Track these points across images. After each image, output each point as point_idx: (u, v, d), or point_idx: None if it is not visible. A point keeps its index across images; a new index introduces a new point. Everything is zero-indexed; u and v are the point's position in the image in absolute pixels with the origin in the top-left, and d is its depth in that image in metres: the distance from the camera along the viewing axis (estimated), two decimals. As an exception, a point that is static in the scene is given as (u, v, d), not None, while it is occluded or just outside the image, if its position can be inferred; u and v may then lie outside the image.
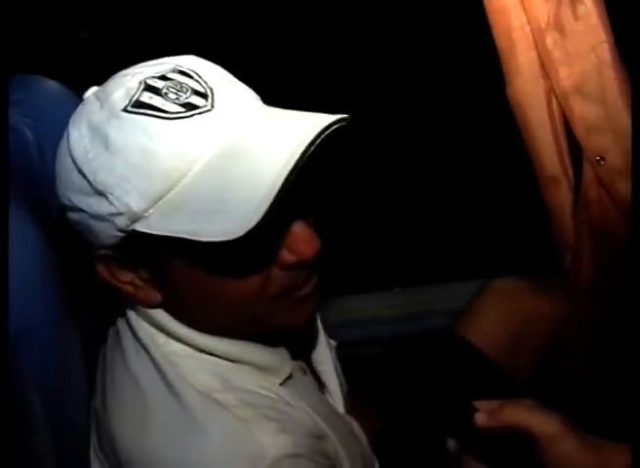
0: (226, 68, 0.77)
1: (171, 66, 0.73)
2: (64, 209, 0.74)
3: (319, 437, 0.79)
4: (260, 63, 1.49)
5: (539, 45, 1.08)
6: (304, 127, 0.68)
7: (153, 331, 0.78)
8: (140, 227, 0.69)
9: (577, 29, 1.05)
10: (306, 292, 0.77)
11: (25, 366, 0.72)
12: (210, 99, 0.70)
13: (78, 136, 0.71)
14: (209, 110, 0.69)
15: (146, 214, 0.68)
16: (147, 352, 0.77)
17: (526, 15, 1.07)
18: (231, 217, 0.65)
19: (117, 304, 0.81)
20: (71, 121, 0.74)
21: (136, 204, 0.68)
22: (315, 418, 0.81)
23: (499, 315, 1.21)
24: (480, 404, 0.70)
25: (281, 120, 0.72)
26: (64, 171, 0.72)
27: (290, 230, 0.73)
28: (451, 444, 0.72)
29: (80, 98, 0.77)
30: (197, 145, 0.68)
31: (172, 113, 0.68)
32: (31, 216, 0.79)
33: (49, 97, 0.94)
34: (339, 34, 1.51)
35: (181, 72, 0.72)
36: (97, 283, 0.76)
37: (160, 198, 0.68)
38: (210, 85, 0.72)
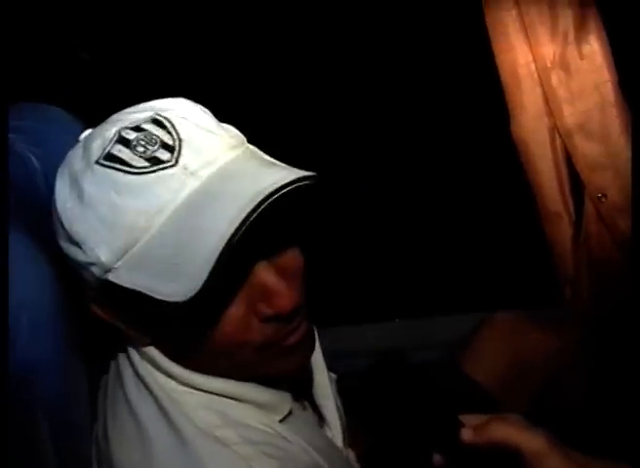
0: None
1: (149, 115, 0.72)
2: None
3: None
4: (257, 62, 1.48)
5: (544, 82, 1.09)
6: (261, 182, 0.67)
7: (151, 368, 0.78)
8: (112, 278, 0.69)
9: (582, 68, 1.06)
10: (293, 341, 0.75)
11: (35, 399, 0.71)
12: (175, 153, 0.69)
13: (62, 184, 0.72)
14: (172, 165, 0.69)
15: (115, 267, 0.68)
16: (147, 388, 0.77)
17: (532, 53, 1.08)
18: (181, 279, 0.64)
19: (117, 340, 0.81)
20: (62, 165, 0.74)
21: (105, 256, 0.68)
22: (313, 454, 0.80)
23: (496, 349, 1.21)
24: (466, 418, 0.69)
25: (245, 175, 0.71)
26: (54, 216, 0.73)
27: (263, 283, 0.72)
28: (437, 458, 0.70)
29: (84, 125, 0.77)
30: (157, 202, 0.67)
31: (137, 168, 0.68)
32: (39, 248, 0.78)
33: (55, 126, 0.93)
34: (336, 32, 1.50)
35: (156, 121, 0.71)
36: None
37: (126, 252, 0.68)
38: (181, 136, 0.70)
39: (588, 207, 1.17)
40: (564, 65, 1.06)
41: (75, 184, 0.70)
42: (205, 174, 0.70)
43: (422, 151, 1.54)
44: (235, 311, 0.72)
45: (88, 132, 0.76)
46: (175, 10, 1.44)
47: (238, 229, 0.64)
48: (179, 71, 1.41)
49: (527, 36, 1.07)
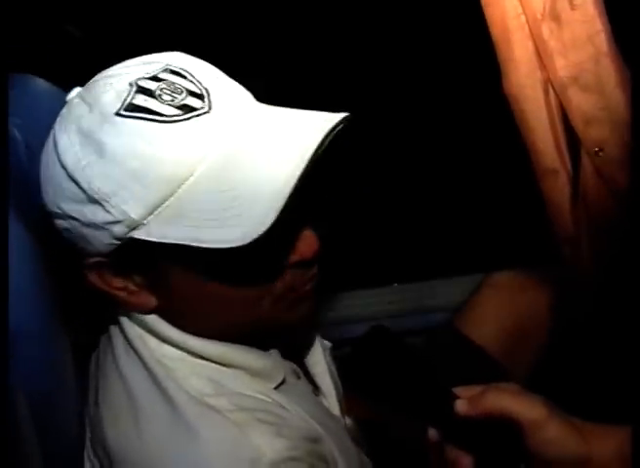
0: (217, 65, 0.76)
1: (161, 66, 0.71)
2: (52, 216, 0.72)
3: (315, 440, 0.78)
4: (252, 61, 1.48)
5: (535, 35, 1.06)
6: (310, 129, 0.66)
7: (145, 334, 0.77)
8: (138, 235, 0.67)
9: (573, 19, 1.03)
10: (308, 288, 0.77)
11: (14, 371, 0.70)
12: (207, 100, 0.68)
13: (68, 143, 0.69)
14: (207, 112, 0.68)
15: (145, 222, 0.66)
16: (139, 355, 0.77)
17: (521, 4, 1.05)
18: (238, 224, 0.63)
19: (108, 310, 0.80)
20: (57, 125, 0.72)
21: (134, 211, 0.66)
22: (310, 422, 0.80)
23: (497, 310, 1.21)
24: (461, 390, 0.69)
25: (283, 121, 0.70)
26: (53, 178, 0.70)
27: (295, 230, 0.72)
28: (432, 433, 0.69)
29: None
30: (198, 149, 0.66)
31: (169, 116, 0.66)
32: (19, 219, 0.77)
33: (38, 97, 0.92)
34: (332, 29, 1.50)
35: (173, 72, 0.70)
36: (87, 289, 0.75)
37: (160, 204, 0.66)
38: (204, 85, 0.70)
39: (585, 162, 1.15)
40: (555, 16, 1.03)
41: (89, 140, 0.67)
42: (240, 119, 0.69)
43: (416, 111, 1.53)
44: (267, 260, 0.71)
45: (76, 90, 0.74)
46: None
47: (302, 174, 0.63)
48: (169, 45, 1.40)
49: (516, -13, 1.05)
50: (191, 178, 0.66)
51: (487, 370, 1.18)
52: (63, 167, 0.69)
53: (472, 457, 0.68)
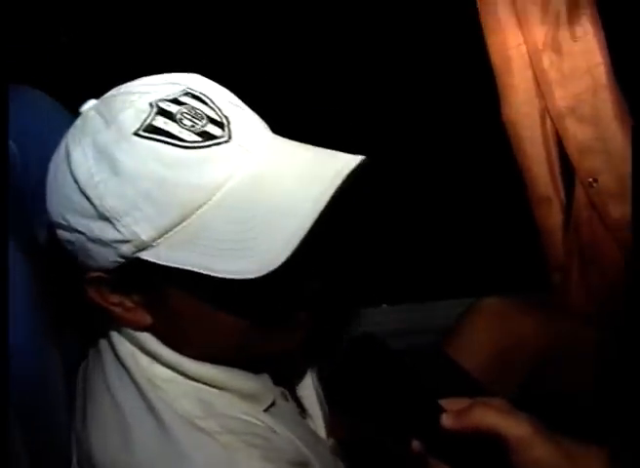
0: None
1: (181, 89, 0.70)
2: (55, 226, 0.71)
3: (302, 464, 0.78)
4: (249, 55, 1.47)
5: (535, 65, 1.07)
6: (329, 170, 0.66)
7: (136, 352, 0.76)
8: (145, 256, 0.66)
9: (574, 50, 1.04)
10: (304, 317, 0.76)
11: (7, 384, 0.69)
12: (227, 129, 0.68)
13: (82, 156, 0.67)
14: (227, 141, 0.67)
15: (154, 244, 0.65)
16: (129, 373, 0.75)
17: (523, 34, 1.06)
18: (252, 256, 0.63)
19: (100, 324, 0.79)
20: (71, 137, 0.70)
21: (145, 233, 0.65)
22: (298, 445, 0.79)
23: (484, 335, 1.21)
24: (448, 402, 0.67)
25: (302, 158, 0.70)
26: (62, 189, 0.69)
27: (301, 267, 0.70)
28: (416, 445, 0.68)
29: (73, 111, 0.74)
30: (216, 177, 0.65)
31: (189, 142, 0.66)
32: (14, 232, 0.76)
33: (35, 108, 0.91)
34: (336, 42, 1.50)
35: (194, 96, 0.69)
36: (81, 302, 0.74)
37: (172, 228, 0.65)
38: (224, 113, 0.69)
39: (579, 192, 1.16)
40: (556, 47, 1.04)
41: (104, 156, 0.66)
42: (259, 151, 0.68)
43: (411, 135, 1.53)
44: (271, 292, 0.70)
45: (91, 102, 0.72)
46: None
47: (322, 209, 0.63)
48: (162, 54, 1.39)
49: (518, 17, 1.05)
50: (206, 206, 0.65)
51: (474, 394, 1.18)
52: (75, 180, 0.67)
53: None
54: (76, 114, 0.77)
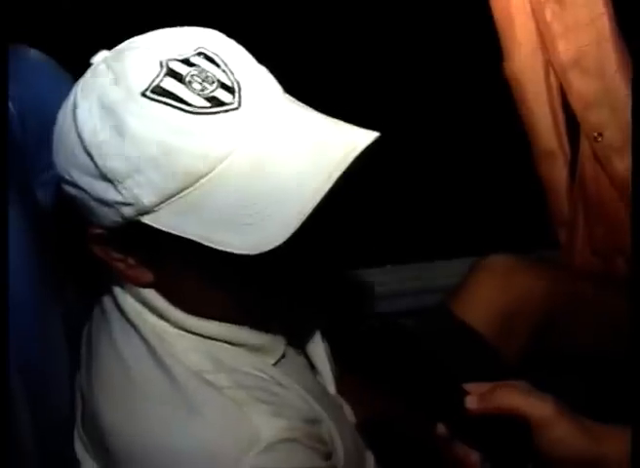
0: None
1: (194, 47, 0.68)
2: (61, 180, 0.70)
3: (314, 421, 0.78)
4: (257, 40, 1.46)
5: (537, 17, 1.06)
6: (342, 142, 0.65)
7: (142, 309, 0.76)
8: (146, 220, 0.65)
9: (576, 2, 1.03)
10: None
11: (8, 343, 0.70)
12: (237, 96, 0.66)
13: (87, 113, 0.66)
14: (236, 108, 0.65)
15: (156, 209, 0.65)
16: (136, 330, 0.75)
17: (525, -15, 1.05)
18: (252, 233, 0.62)
19: (104, 281, 0.79)
20: (79, 89, 0.68)
21: (147, 197, 0.64)
22: (309, 400, 0.79)
23: (491, 293, 1.20)
24: (471, 386, 0.68)
25: (315, 128, 0.68)
26: (67, 142, 0.68)
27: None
28: (441, 428, 0.69)
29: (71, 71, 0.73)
30: (222, 147, 0.64)
31: (196, 107, 0.64)
32: (14, 191, 0.77)
33: (33, 68, 0.91)
34: (331, 25, 1.49)
35: (207, 57, 0.68)
36: (84, 259, 0.74)
37: (174, 195, 0.64)
38: (237, 77, 0.67)
39: (584, 146, 1.15)
40: (558, -2, 1.03)
41: (111, 115, 0.64)
42: (269, 121, 0.67)
43: (416, 89, 1.52)
44: (273, 262, 0.68)
45: (102, 54, 0.71)
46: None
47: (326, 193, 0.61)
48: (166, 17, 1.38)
49: (520, -32, 1.04)
50: (210, 176, 0.64)
51: (480, 352, 1.18)
52: (79, 135, 0.66)
53: (480, 454, 0.68)
54: (75, 74, 0.76)
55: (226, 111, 0.65)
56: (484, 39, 1.14)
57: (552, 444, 0.64)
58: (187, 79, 0.65)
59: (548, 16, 1.05)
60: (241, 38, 0.73)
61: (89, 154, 0.65)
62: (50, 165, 0.83)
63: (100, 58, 0.70)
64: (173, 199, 0.64)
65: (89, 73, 0.70)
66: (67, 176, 0.69)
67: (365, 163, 0.64)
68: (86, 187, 0.67)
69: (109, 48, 0.72)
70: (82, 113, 0.66)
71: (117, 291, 0.77)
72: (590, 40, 1.05)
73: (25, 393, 0.72)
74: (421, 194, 1.59)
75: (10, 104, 0.86)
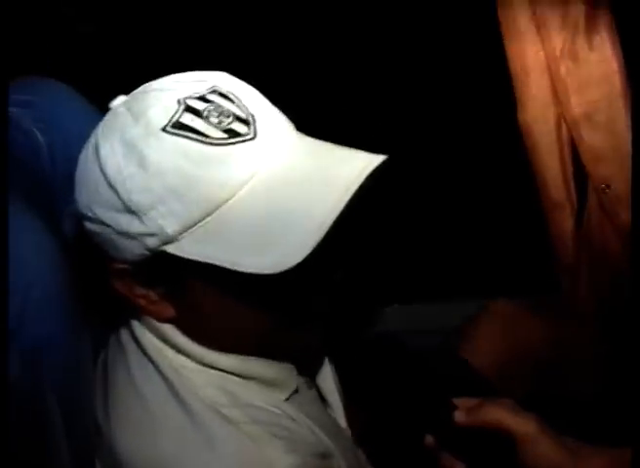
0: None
1: (208, 86, 0.71)
2: (84, 218, 0.73)
3: (324, 455, 0.79)
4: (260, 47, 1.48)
5: (552, 72, 1.09)
6: (352, 169, 0.67)
7: (161, 345, 0.77)
8: (170, 249, 0.68)
9: (590, 59, 1.06)
10: (322, 310, 0.78)
11: (44, 376, 0.71)
12: (252, 127, 0.69)
13: (110, 151, 0.69)
14: (252, 139, 0.68)
15: (179, 238, 0.67)
16: (154, 365, 0.77)
17: (541, 42, 1.07)
18: (273, 252, 0.64)
19: (123, 315, 0.80)
20: (100, 132, 0.71)
21: (170, 227, 0.67)
22: (320, 435, 0.81)
23: (495, 336, 1.22)
24: (460, 401, 0.72)
25: (328, 154, 0.71)
26: (91, 183, 0.70)
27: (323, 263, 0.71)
28: (429, 440, 0.72)
29: (102, 107, 0.75)
30: (241, 174, 0.67)
31: (215, 138, 0.67)
32: (43, 222, 0.78)
33: (61, 102, 0.92)
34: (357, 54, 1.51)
35: (221, 94, 0.71)
36: (106, 291, 0.76)
37: (196, 223, 0.67)
38: (250, 111, 0.70)
39: (591, 197, 1.17)
40: (573, 55, 1.06)
41: (133, 151, 0.67)
42: (283, 150, 0.70)
43: (427, 137, 1.54)
44: (294, 289, 0.71)
45: (120, 99, 0.74)
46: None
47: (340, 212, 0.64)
48: (184, 47, 1.40)
49: (537, 24, 1.07)
50: (230, 202, 0.66)
51: (478, 390, 1.19)
52: (104, 174, 0.69)
53: (465, 465, 0.71)
54: (99, 106, 0.78)
55: (244, 141, 0.68)
56: (499, 91, 1.16)
57: (535, 459, 0.67)
58: (205, 114, 0.68)
59: (563, 71, 1.08)
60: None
61: (114, 190, 0.68)
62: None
63: (119, 101, 0.73)
64: (195, 227, 0.67)
65: (108, 116, 0.73)
66: (90, 214, 0.71)
67: (378, 203, 0.67)
68: (110, 222, 0.69)
69: (129, 81, 0.75)
70: (105, 152, 0.69)
71: (135, 325, 0.79)
72: (602, 96, 1.08)
73: (64, 422, 0.73)
74: (430, 236, 1.60)
75: (39, 136, 0.88)
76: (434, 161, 1.54)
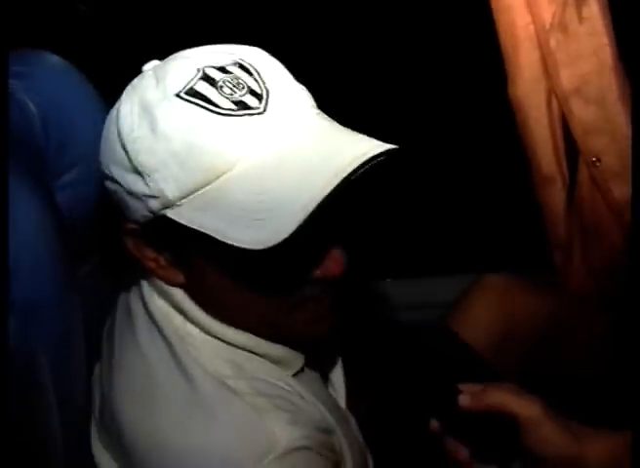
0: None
1: (233, 58, 0.72)
2: (104, 176, 0.75)
3: (327, 431, 0.80)
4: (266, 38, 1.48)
5: (542, 45, 1.09)
6: (353, 150, 0.67)
7: (170, 310, 0.78)
8: (170, 214, 0.69)
9: (580, 31, 1.06)
10: (324, 307, 0.78)
11: (35, 337, 0.72)
12: (263, 102, 0.69)
13: (129, 110, 0.70)
14: (260, 113, 0.69)
15: (179, 203, 0.68)
16: (161, 331, 0.78)
17: (531, 14, 1.07)
18: (262, 227, 0.64)
19: (133, 278, 0.82)
20: (126, 92, 0.73)
21: (170, 191, 0.68)
22: (324, 412, 0.81)
23: (488, 311, 1.22)
24: (464, 386, 0.73)
25: (331, 137, 0.71)
26: (109, 140, 0.72)
27: (320, 246, 0.73)
28: (434, 424, 0.74)
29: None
30: (241, 148, 0.67)
31: (223, 109, 0.68)
32: (34, 189, 0.79)
33: (52, 72, 0.94)
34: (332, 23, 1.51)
35: (242, 67, 0.71)
36: (118, 256, 0.77)
37: (195, 190, 0.68)
38: (267, 86, 0.71)
39: (582, 171, 1.18)
40: (562, 28, 1.06)
41: (147, 113, 0.69)
42: (290, 127, 0.70)
43: (419, 113, 1.54)
44: (289, 270, 0.72)
45: (153, 63, 0.75)
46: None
47: (332, 190, 0.64)
48: (183, 27, 1.40)
49: (526, -3, 1.07)
50: (228, 174, 0.67)
51: (476, 368, 1.20)
52: (119, 132, 0.70)
53: (470, 450, 0.73)
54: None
55: (251, 115, 0.68)
56: (489, 63, 1.17)
57: (538, 442, 0.68)
58: (219, 84, 0.69)
59: (553, 44, 1.08)
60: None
61: (124, 148, 0.70)
62: (69, 168, 0.87)
63: (151, 65, 0.75)
64: (194, 194, 0.68)
65: (137, 78, 0.74)
66: (107, 172, 0.73)
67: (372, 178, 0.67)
68: (121, 181, 0.71)
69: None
70: (123, 112, 0.71)
71: (145, 289, 0.80)
72: (592, 69, 1.08)
73: (54, 385, 0.74)
74: (423, 210, 1.60)
75: (32, 108, 0.89)
76: (427, 138, 1.54)
